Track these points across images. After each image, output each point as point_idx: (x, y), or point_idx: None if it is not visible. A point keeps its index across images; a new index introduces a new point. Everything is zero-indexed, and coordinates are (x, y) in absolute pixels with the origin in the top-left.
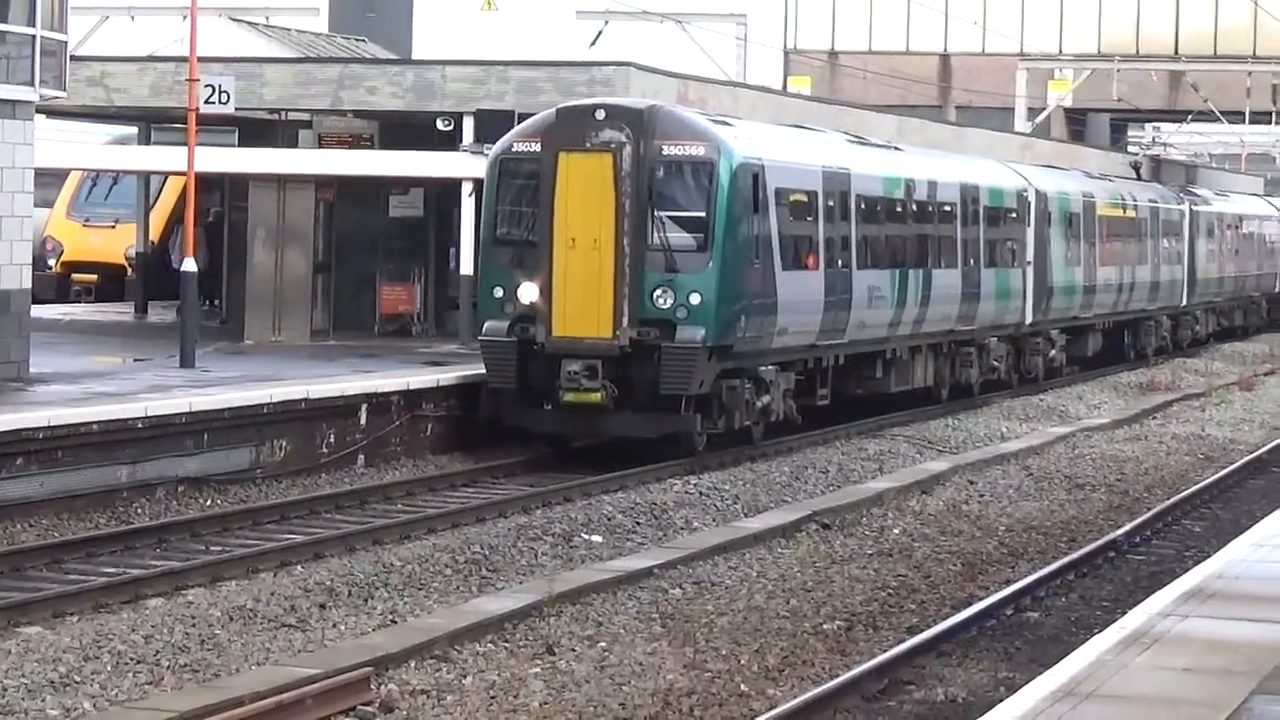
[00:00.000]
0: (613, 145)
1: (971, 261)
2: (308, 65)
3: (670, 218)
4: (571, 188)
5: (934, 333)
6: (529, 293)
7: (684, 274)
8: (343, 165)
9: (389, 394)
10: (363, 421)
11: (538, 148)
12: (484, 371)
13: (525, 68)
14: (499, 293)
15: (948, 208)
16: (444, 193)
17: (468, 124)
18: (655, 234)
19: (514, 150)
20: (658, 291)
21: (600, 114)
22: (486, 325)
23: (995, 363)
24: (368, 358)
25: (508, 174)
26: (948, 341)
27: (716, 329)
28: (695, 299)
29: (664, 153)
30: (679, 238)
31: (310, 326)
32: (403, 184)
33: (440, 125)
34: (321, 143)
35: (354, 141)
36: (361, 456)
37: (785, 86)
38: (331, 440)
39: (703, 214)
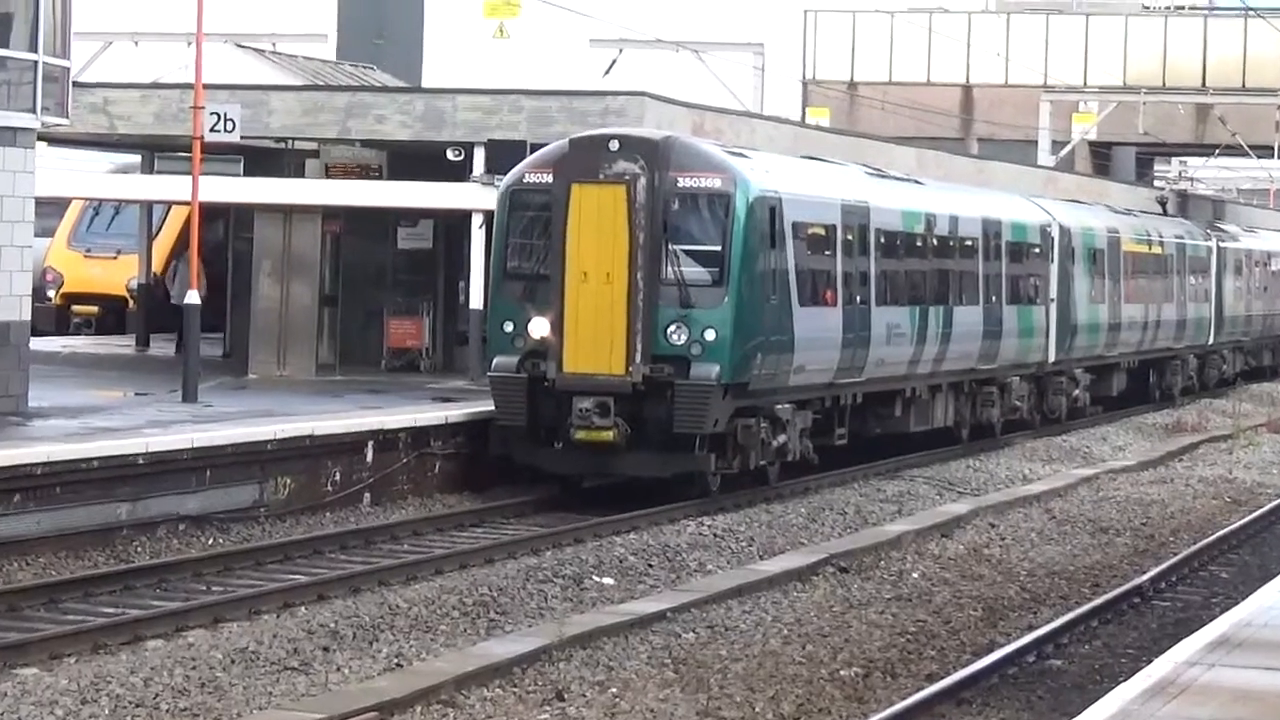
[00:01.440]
0: (627, 177)
1: (993, 298)
2: (315, 93)
3: (685, 251)
4: (584, 220)
5: (955, 371)
6: (540, 327)
7: (699, 309)
8: (350, 196)
9: (396, 431)
10: (369, 459)
11: (550, 179)
12: (493, 408)
13: (538, 97)
14: (509, 327)
15: (969, 243)
16: (454, 224)
17: (478, 154)
18: (669, 268)
19: (525, 181)
20: (672, 327)
21: (614, 145)
22: (496, 361)
23: (1017, 402)
24: (374, 393)
25: (519, 206)
26: (969, 380)
27: (732, 366)
28: (710, 335)
29: (679, 185)
30: (694, 272)
31: (316, 361)
32: (411, 215)
33: (450, 155)
34: (329, 172)
35: (362, 171)
36: (368, 495)
37: (803, 117)
38: (337, 478)
39: (718, 248)
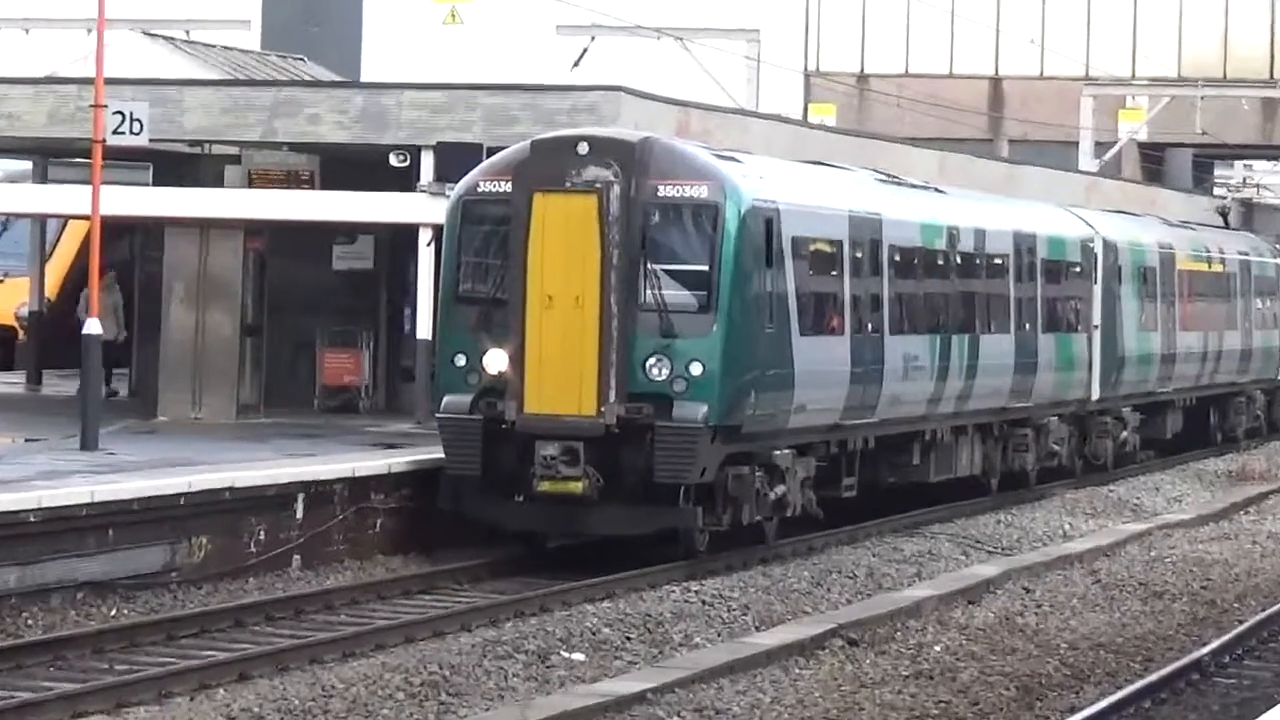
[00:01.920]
0: (598, 185)
1: (1027, 325)
2: (236, 89)
3: (667, 272)
4: (549, 235)
5: (982, 410)
6: (497, 361)
7: (683, 339)
8: (277, 208)
9: (331, 482)
10: (299, 515)
11: (508, 187)
12: (443, 455)
13: (496, 93)
14: (461, 361)
15: (998, 261)
16: (398, 241)
17: (427, 159)
18: (649, 291)
19: (480, 190)
20: (651, 360)
21: (584, 147)
22: (446, 400)
23: (1055, 446)
24: (306, 438)
25: (472, 219)
26: (998, 421)
27: (721, 405)
28: (696, 369)
29: (660, 194)
30: (677, 296)
31: (237, 401)
32: (349, 231)
33: (394, 161)
34: (252, 181)
35: (291, 180)
36: (297, 557)
37: (806, 115)
38: (261, 538)
39: (705, 267)
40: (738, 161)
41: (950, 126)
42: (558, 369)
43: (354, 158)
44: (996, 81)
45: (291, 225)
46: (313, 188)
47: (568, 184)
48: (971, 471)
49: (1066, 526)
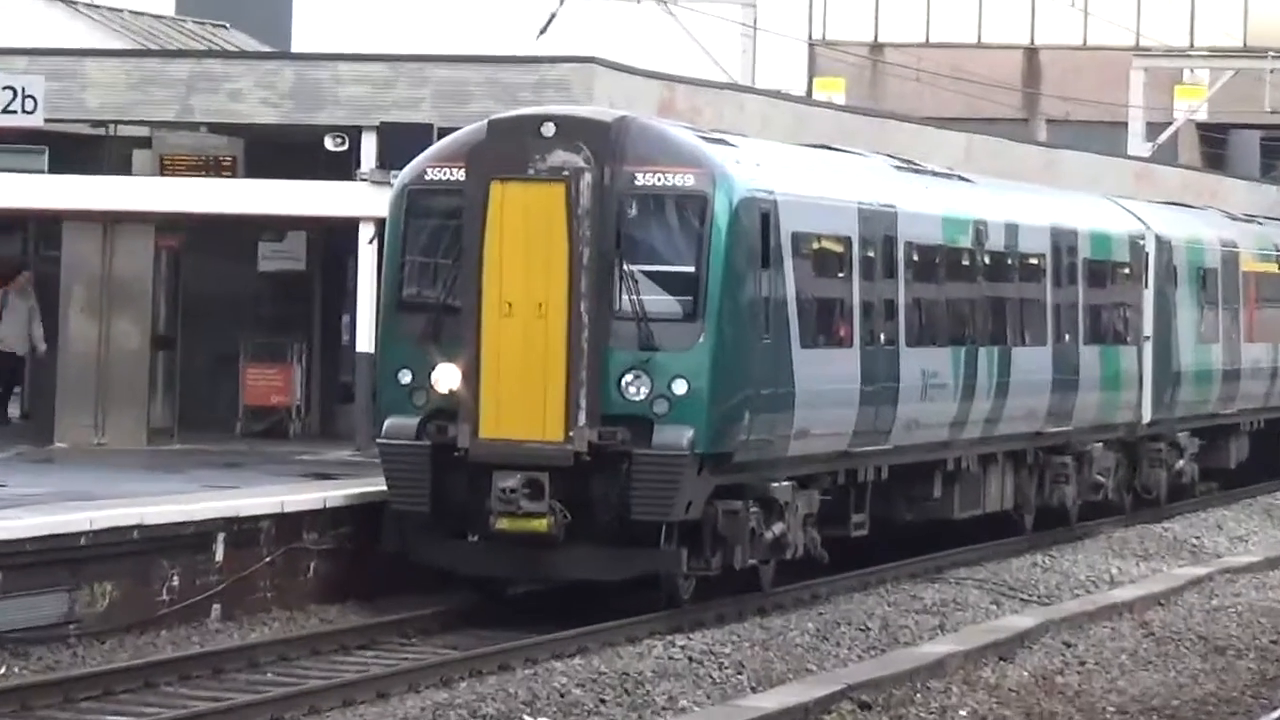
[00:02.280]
0: (566, 172)
1: (1066, 336)
2: (147, 60)
3: (646, 274)
4: (508, 231)
5: (1014, 436)
6: (447, 378)
7: (665, 353)
8: (194, 200)
9: (256, 519)
10: (219, 558)
11: (461, 175)
12: (385, 488)
13: (449, 65)
14: (405, 378)
15: (1034, 261)
16: (335, 238)
17: (368, 143)
18: (625, 296)
19: (428, 178)
20: (628, 377)
21: (549, 128)
22: (388, 423)
23: (1100, 478)
24: (227, 468)
25: (418, 211)
26: (1033, 448)
27: (710, 430)
28: (680, 388)
29: (638, 183)
30: (658, 302)
31: (147, 425)
32: (277, 226)
33: (330, 144)
34: (165, 168)
35: (210, 167)
36: (217, 606)
37: (809, 91)
38: (175, 584)
39: (691, 269)
40: (730, 145)
41: (978, 105)
42: (518, 387)
43: (283, 141)
44: (1032, 52)
45: (211, 220)
46: (235, 176)
47: (530, 171)
48: (1002, 507)
49: (1114, 570)
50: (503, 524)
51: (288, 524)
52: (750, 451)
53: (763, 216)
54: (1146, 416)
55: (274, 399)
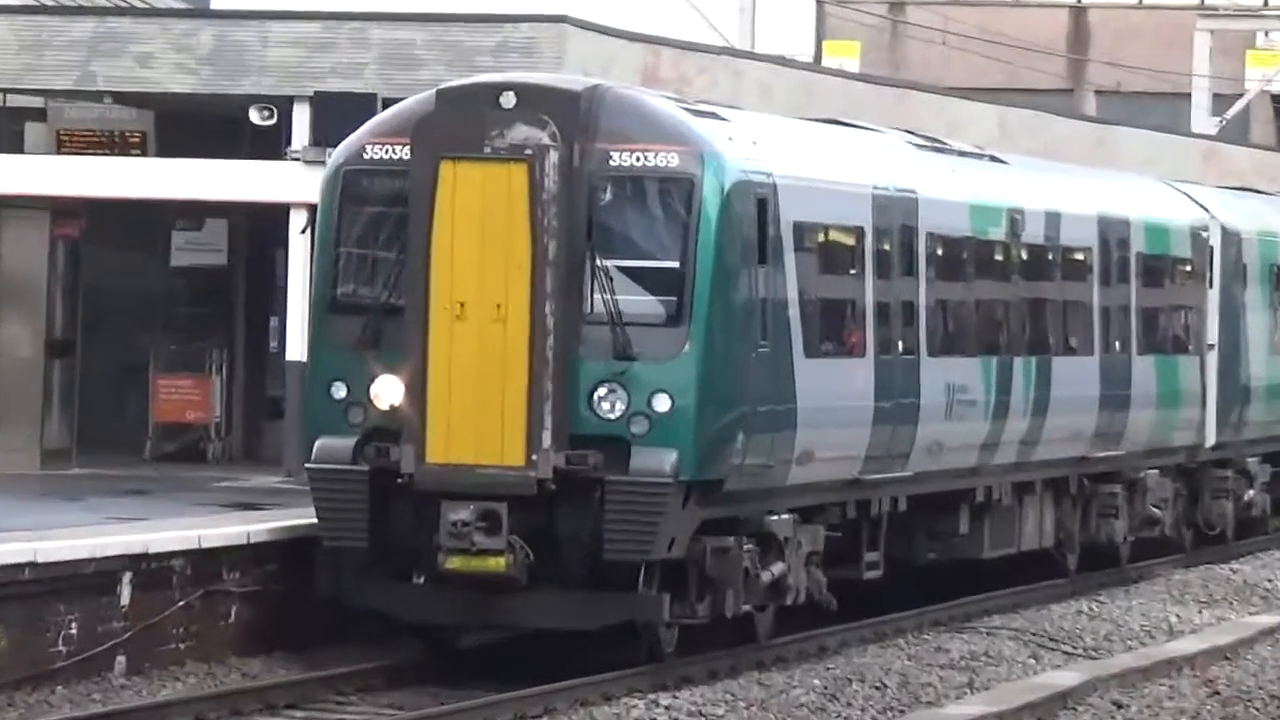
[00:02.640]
0: (529, 150)
1: (1116, 344)
2: (40, 19)
3: (623, 270)
4: (461, 220)
5: (1055, 461)
6: (389, 392)
7: (644, 363)
8: (96, 181)
9: (168, 556)
10: (124, 601)
11: (406, 153)
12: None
13: (395, 24)
14: (339, 391)
15: (1078, 256)
16: (261, 228)
17: (300, 115)
18: (598, 296)
19: (367, 157)
20: (602, 391)
21: (509, 99)
22: (319, 445)
23: (1155, 510)
24: (134, 496)
25: (356, 196)
26: (1077, 476)
27: (696, 453)
28: (662, 404)
29: (613, 163)
30: (637, 303)
31: (40, 445)
32: (194, 213)
33: (256, 117)
34: (62, 145)
35: (115, 144)
36: (122, 658)
37: (819, 57)
38: (73, 631)
39: (675, 264)
40: (721, 119)
41: (1016, 73)
42: (472, 403)
43: (201, 113)
44: (1079, 11)
45: (116, 205)
46: (145, 154)
47: (486, 149)
48: (1040, 544)
49: (1173, 619)
50: (453, 563)
51: (205, 562)
52: (744, 479)
53: (759, 203)
54: (1210, 439)
55: (190, 415)
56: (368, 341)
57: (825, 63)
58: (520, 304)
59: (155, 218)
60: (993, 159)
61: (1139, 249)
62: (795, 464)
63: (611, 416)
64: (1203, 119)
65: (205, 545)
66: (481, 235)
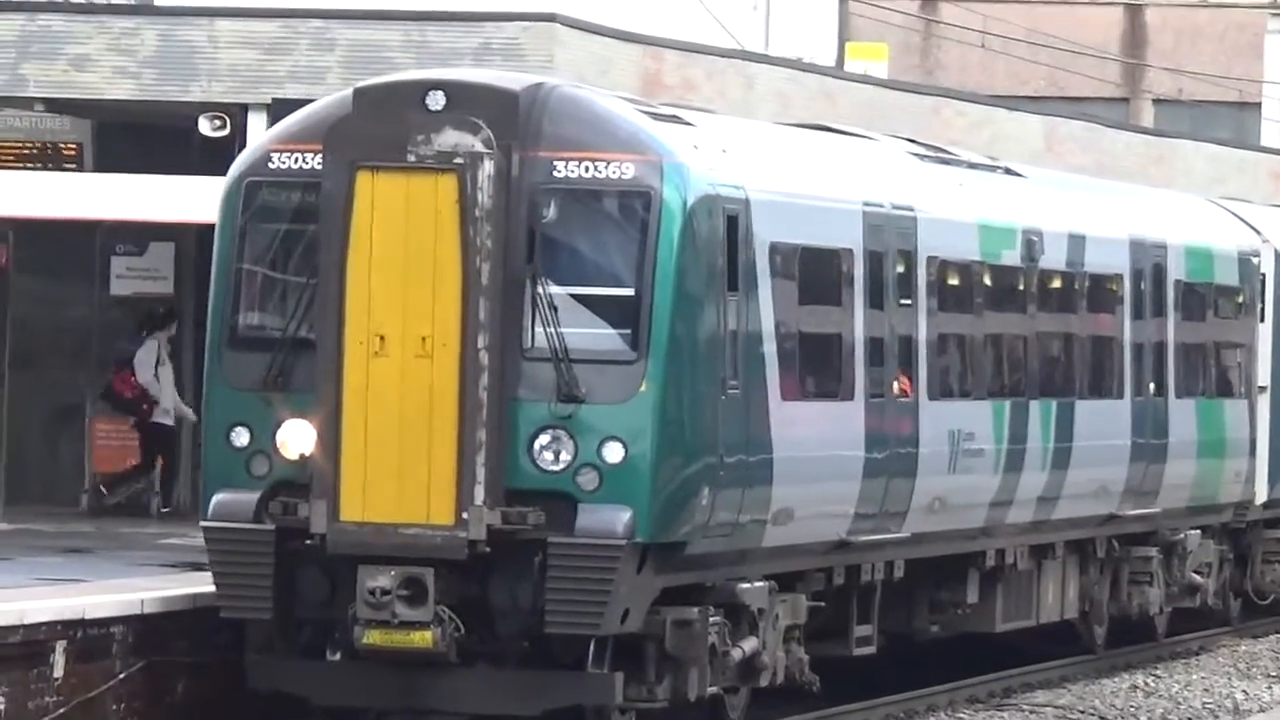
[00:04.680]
0: (460, 159)
1: (1151, 386)
2: None
3: (570, 297)
4: (381, 239)
5: (1079, 520)
6: (297, 439)
7: (594, 406)
8: (26, 200)
9: (107, 622)
10: (58, 673)
11: (318, 162)
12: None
13: (363, 23)
14: (241, 438)
15: (1107, 284)
16: (210, 252)
17: (256, 125)
18: (540, 329)
19: (272, 166)
20: (544, 439)
21: (437, 99)
22: (217, 500)
23: (1197, 576)
24: (68, 554)
25: (260, 212)
26: (1106, 537)
27: (654, 511)
28: (614, 454)
29: (558, 174)
30: (586, 336)
31: None
32: (136, 235)
33: (207, 127)
34: None
35: (47, 156)
36: None
37: (841, 61)
38: (1, 707)
39: (630, 291)
40: (685, 124)
41: (1065, 79)
42: (393, 452)
43: (144, 123)
44: (1136, 10)
45: (48, 226)
46: (81, 169)
47: (411, 157)
48: (1062, 615)
49: (1238, 695)
50: (372, 637)
51: (149, 629)
52: (710, 541)
53: (729, 220)
54: (1262, 495)
55: (131, 464)
56: (273, 381)
57: (849, 67)
58: (449, 337)
59: (92, 241)
60: (1006, 171)
61: (1178, 276)
62: (771, 523)
63: (555, 468)
64: (1274, 131)
65: (149, 611)
66: (404, 257)
